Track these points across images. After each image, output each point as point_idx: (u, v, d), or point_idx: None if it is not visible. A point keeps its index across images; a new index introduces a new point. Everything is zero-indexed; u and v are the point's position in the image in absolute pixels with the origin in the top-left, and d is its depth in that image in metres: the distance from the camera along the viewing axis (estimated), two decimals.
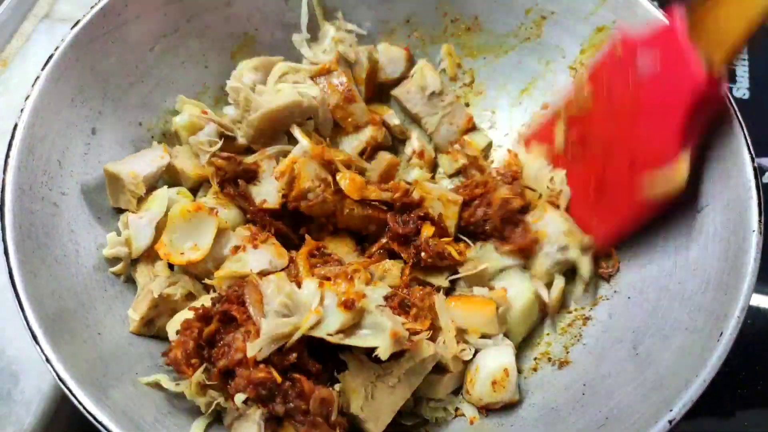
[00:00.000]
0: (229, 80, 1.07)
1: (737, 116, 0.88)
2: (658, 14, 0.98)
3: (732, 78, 1.35)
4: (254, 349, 0.76)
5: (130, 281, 0.94)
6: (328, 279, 0.87)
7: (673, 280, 0.89)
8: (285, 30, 1.14)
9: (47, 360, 0.75)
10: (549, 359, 0.96)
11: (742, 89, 1.34)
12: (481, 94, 1.19)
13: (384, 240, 0.99)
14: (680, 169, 0.76)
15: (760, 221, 0.82)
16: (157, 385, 0.84)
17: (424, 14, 1.17)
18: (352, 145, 1.10)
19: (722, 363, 0.75)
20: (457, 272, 0.97)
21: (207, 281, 0.91)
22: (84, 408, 0.74)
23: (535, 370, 0.96)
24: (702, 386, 0.74)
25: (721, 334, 0.76)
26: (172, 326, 0.87)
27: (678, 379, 0.76)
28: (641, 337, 0.87)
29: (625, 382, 0.83)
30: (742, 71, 1.36)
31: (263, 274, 0.88)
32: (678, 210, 0.93)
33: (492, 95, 1.19)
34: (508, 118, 1.18)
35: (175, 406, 0.84)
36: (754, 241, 0.81)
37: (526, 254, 0.98)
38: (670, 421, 0.72)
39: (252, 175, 0.99)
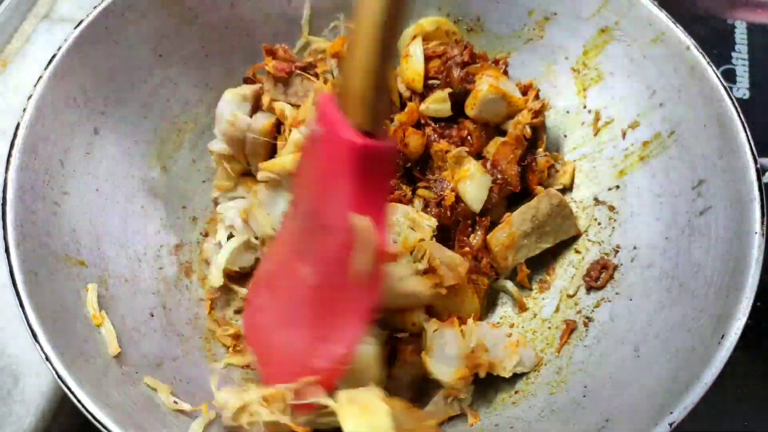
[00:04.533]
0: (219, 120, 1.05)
1: (740, 117, 0.88)
2: (661, 15, 0.98)
3: (732, 78, 1.35)
4: None
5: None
6: None
7: (675, 282, 0.89)
8: (287, 29, 1.14)
9: (47, 359, 0.75)
10: (550, 360, 0.96)
11: (742, 89, 1.33)
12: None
13: None
14: (366, 228, 0.69)
15: (762, 223, 0.82)
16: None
17: (425, 14, 1.16)
18: None
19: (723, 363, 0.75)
20: None
21: None
22: (84, 407, 0.74)
23: (536, 371, 0.96)
24: (703, 389, 0.73)
25: (723, 336, 0.76)
26: None
27: (679, 381, 0.76)
28: (643, 338, 0.87)
29: (627, 384, 0.83)
30: (742, 71, 1.35)
31: None
32: (680, 213, 0.93)
33: None
34: None
35: None
36: (757, 242, 0.81)
37: None
38: (670, 424, 0.72)
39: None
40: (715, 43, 1.38)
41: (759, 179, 0.84)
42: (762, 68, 1.36)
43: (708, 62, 0.93)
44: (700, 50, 0.94)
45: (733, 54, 1.38)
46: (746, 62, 1.36)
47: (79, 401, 0.74)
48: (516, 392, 0.94)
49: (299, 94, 1.05)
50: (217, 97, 1.12)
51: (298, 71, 1.05)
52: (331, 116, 0.68)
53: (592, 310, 0.98)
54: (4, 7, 1.23)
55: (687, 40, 0.95)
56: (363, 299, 0.75)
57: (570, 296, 1.01)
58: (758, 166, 0.85)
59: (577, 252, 1.05)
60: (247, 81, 1.11)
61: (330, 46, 1.11)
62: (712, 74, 0.92)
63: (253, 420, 0.79)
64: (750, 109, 0.83)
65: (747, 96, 1.32)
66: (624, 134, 1.04)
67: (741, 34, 1.40)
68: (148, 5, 1.01)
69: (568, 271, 1.04)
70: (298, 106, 1.03)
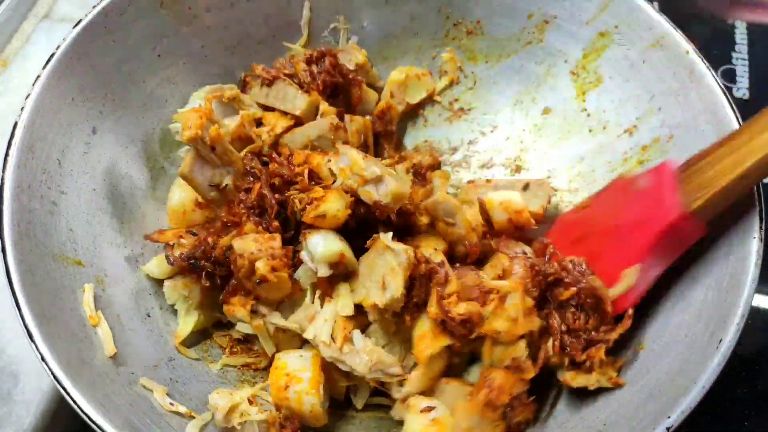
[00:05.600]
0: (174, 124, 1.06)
1: (739, 122, 0.88)
2: (660, 19, 0.98)
3: (732, 78, 1.35)
4: None
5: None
6: None
7: (673, 287, 0.88)
8: (286, 31, 1.14)
9: (43, 359, 0.75)
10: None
11: (742, 89, 1.34)
12: (482, 98, 1.18)
13: None
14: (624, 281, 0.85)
15: (760, 228, 0.81)
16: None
17: (425, 17, 1.16)
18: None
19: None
20: None
21: None
22: (80, 408, 0.73)
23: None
24: (700, 393, 0.73)
25: (720, 341, 0.76)
26: None
27: (676, 386, 0.76)
28: (640, 343, 0.87)
29: (624, 389, 0.83)
30: (742, 71, 1.36)
31: None
32: None
33: (493, 99, 1.18)
34: (510, 122, 1.17)
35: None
36: (755, 247, 0.80)
37: None
38: (668, 428, 0.72)
39: None
40: (715, 43, 1.38)
41: (758, 184, 0.84)
42: (762, 68, 1.36)
43: (707, 67, 0.93)
44: (700, 55, 0.94)
45: (733, 54, 1.39)
46: (746, 62, 1.37)
47: (75, 402, 0.74)
48: None
49: (279, 97, 1.06)
50: None
51: (283, 77, 1.06)
52: (666, 181, 0.84)
53: None
54: (4, 7, 1.23)
55: (686, 45, 0.95)
56: None
57: None
58: None
59: None
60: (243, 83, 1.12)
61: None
62: (711, 79, 0.92)
63: (243, 420, 0.79)
64: (750, 109, 0.83)
65: (747, 96, 1.33)
66: (622, 138, 1.04)
67: (741, 34, 1.41)
68: (147, 5, 1.01)
69: None
70: (273, 110, 1.06)
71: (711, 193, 0.79)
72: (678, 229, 0.82)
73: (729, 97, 0.90)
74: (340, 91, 1.11)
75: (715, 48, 1.36)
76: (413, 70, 1.18)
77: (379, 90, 1.18)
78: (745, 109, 0.86)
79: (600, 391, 0.85)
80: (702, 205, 0.80)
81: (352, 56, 1.13)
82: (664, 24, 0.97)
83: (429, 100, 1.20)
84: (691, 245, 0.84)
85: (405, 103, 1.17)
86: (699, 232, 0.83)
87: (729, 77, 1.34)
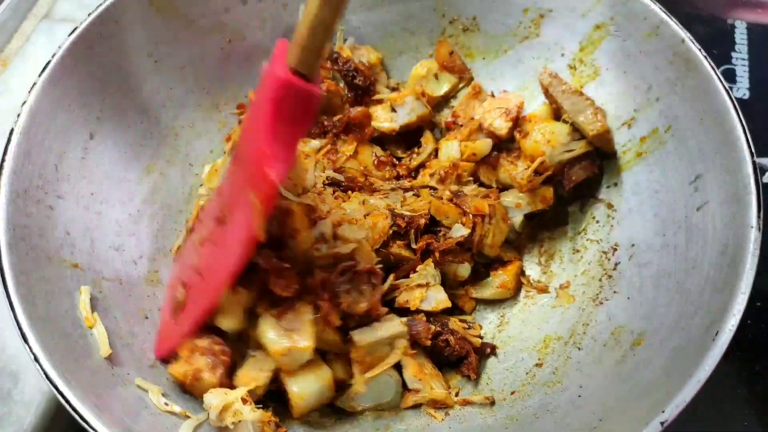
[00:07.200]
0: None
1: (736, 110, 0.86)
2: (655, 8, 0.96)
3: (732, 78, 1.33)
4: None
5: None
6: None
7: (672, 279, 0.87)
8: (282, 34, 1.14)
9: (36, 359, 0.76)
10: (547, 361, 0.94)
11: (742, 89, 1.32)
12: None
13: None
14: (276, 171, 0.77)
15: (759, 217, 0.79)
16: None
17: (421, 15, 1.16)
18: None
19: (721, 362, 0.73)
20: None
21: None
22: (72, 407, 0.74)
23: (532, 374, 0.94)
24: (695, 387, 0.71)
25: (717, 333, 0.74)
26: None
27: (672, 380, 0.74)
28: (639, 338, 0.85)
29: (621, 383, 0.81)
30: (742, 71, 1.34)
31: None
32: (677, 209, 0.91)
33: None
34: None
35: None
36: (753, 237, 0.78)
37: None
38: (662, 423, 0.70)
39: None
40: (715, 43, 1.37)
41: (755, 172, 0.82)
42: (762, 68, 1.35)
43: (704, 55, 0.91)
44: (696, 43, 0.92)
45: (733, 54, 1.37)
46: (746, 62, 1.35)
47: (67, 401, 0.74)
48: (512, 393, 0.92)
49: None
50: (214, 102, 1.13)
51: None
52: (277, 57, 0.76)
53: (591, 311, 0.96)
54: (4, 7, 1.24)
55: (682, 33, 0.93)
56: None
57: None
58: (755, 159, 0.83)
59: (576, 251, 1.03)
60: (240, 107, 1.15)
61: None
62: (708, 67, 0.90)
63: (237, 420, 0.79)
64: (750, 109, 0.81)
65: (747, 96, 1.31)
66: (621, 130, 1.02)
67: (741, 34, 1.39)
68: (143, 11, 1.03)
69: (566, 270, 1.03)
70: None
71: (296, 42, 0.73)
72: (289, 90, 0.75)
73: (725, 83, 0.88)
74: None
75: (715, 48, 1.35)
76: (435, 64, 1.18)
77: (391, 89, 1.19)
78: (745, 109, 0.85)
79: (598, 386, 0.84)
80: (297, 57, 0.73)
81: (365, 56, 1.14)
82: (658, 13, 0.96)
83: (453, 92, 1.20)
84: (313, 105, 0.78)
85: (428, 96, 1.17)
86: (312, 89, 0.76)
87: (729, 77, 1.33)
